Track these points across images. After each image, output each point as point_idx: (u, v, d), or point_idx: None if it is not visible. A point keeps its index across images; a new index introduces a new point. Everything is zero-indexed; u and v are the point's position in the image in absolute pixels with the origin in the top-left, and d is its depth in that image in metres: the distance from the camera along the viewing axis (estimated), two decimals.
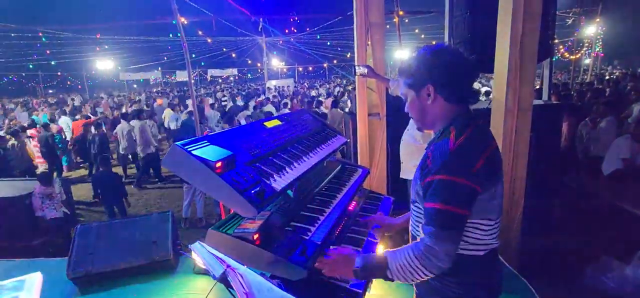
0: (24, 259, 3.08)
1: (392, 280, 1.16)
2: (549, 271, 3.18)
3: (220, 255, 0.92)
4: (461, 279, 1.20)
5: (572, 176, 5.25)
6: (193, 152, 1.23)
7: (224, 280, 0.81)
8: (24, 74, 35.81)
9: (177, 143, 1.24)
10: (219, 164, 1.20)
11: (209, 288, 2.39)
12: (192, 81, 6.78)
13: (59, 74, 37.26)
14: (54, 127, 8.72)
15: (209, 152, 1.26)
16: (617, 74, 18.33)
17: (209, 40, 28.37)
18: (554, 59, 5.03)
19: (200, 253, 0.94)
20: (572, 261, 3.34)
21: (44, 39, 26.94)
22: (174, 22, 6.21)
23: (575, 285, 2.99)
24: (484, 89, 6.21)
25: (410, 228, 1.37)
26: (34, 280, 1.19)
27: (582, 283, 2.99)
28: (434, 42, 1.29)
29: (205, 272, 2.60)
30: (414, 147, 2.86)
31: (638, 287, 2.80)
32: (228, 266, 0.85)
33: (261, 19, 22.33)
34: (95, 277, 2.58)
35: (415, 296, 1.42)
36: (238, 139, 1.49)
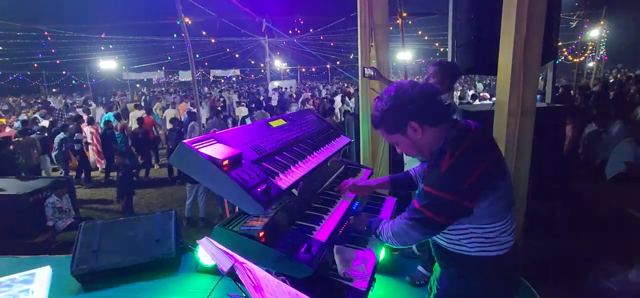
0: (29, 256, 3.10)
1: (381, 240, 1.41)
2: (552, 275, 3.17)
3: (228, 250, 0.93)
4: (484, 279, 1.26)
5: (575, 179, 5.23)
6: (201, 150, 1.24)
7: (232, 274, 0.82)
8: (28, 73, 36.03)
9: (184, 141, 1.25)
10: (226, 162, 1.21)
11: (212, 286, 2.40)
12: (195, 81, 6.83)
13: (63, 72, 37.47)
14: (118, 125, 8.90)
15: (217, 150, 1.27)
16: (621, 77, 18.26)
17: (213, 41, 28.47)
18: (557, 62, 5.02)
19: (208, 249, 0.95)
20: (575, 265, 3.33)
21: (48, 38, 27.12)
22: (178, 22, 6.26)
23: (578, 289, 2.99)
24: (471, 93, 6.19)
25: None
26: (44, 274, 1.22)
27: (584, 287, 2.99)
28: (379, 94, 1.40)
29: (208, 271, 2.63)
30: None
31: None
32: (236, 261, 0.86)
33: (264, 20, 22.38)
34: (99, 274, 2.60)
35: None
36: (244, 138, 1.51)
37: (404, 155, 3.10)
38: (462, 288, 1.29)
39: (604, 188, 4.46)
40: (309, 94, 16.70)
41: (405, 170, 3.08)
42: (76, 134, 7.91)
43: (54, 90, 37.09)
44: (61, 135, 7.77)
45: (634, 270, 2.91)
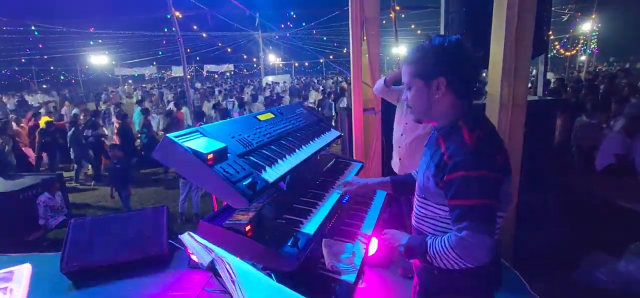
0: (17, 254, 3.06)
1: (432, 264, 1.15)
2: (541, 265, 3.21)
3: (208, 245, 0.92)
4: (472, 270, 1.13)
5: (566, 171, 5.29)
6: (184, 144, 1.22)
7: (212, 269, 0.81)
8: (17, 69, 35.37)
9: (168, 134, 1.23)
10: (210, 156, 1.20)
11: (204, 282, 2.39)
12: (188, 77, 6.76)
13: (52, 68, 36.82)
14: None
15: (201, 143, 1.25)
16: (612, 70, 18.46)
17: (205, 35, 28.15)
18: (549, 56, 5.04)
19: (188, 244, 0.94)
20: (564, 255, 3.37)
21: (36, 33, 26.62)
22: (168, 16, 6.17)
23: (567, 279, 3.03)
24: None
25: (413, 221, 1.34)
26: (23, 271, 1.19)
27: (574, 277, 3.03)
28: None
29: (200, 266, 2.62)
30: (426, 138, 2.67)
31: (629, 281, 2.84)
32: (216, 255, 0.85)
33: (258, 14, 22.19)
34: (89, 271, 2.57)
35: (417, 287, 1.39)
36: (231, 132, 1.49)
37: (399, 148, 3.06)
38: (445, 280, 1.22)
39: (594, 180, 4.52)
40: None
41: (404, 166, 3.04)
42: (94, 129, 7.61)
43: (44, 86, 36.48)
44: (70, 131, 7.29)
45: (623, 260, 2.96)
